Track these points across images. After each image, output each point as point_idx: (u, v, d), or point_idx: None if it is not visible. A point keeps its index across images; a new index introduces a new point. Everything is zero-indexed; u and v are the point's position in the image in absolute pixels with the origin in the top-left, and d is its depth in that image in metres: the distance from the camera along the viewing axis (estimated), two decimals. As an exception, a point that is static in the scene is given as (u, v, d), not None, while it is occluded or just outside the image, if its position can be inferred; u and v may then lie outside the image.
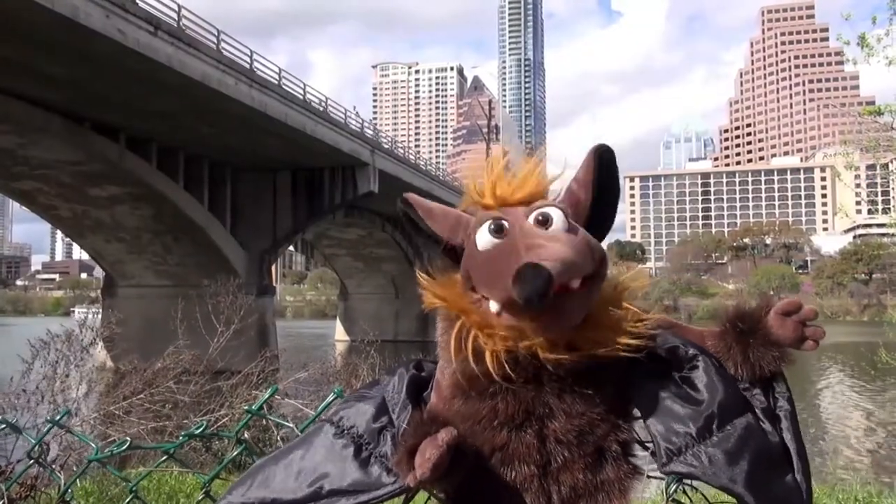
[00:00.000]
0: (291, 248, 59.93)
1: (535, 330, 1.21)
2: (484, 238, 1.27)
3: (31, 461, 2.48)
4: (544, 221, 1.26)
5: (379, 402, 1.43)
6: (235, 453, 1.91)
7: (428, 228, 1.36)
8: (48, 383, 8.09)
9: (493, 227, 1.27)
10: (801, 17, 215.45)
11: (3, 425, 2.51)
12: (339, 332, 64.34)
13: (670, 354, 1.35)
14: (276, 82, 33.76)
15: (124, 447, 1.93)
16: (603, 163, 1.30)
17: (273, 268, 45.42)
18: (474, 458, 1.28)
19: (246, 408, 1.83)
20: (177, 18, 27.48)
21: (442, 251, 1.37)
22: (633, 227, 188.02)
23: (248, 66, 31.59)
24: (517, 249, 1.20)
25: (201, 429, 1.95)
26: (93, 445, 2.02)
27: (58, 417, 2.19)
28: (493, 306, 1.24)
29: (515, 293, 1.13)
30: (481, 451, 1.29)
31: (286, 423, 2.03)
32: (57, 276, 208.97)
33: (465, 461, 1.24)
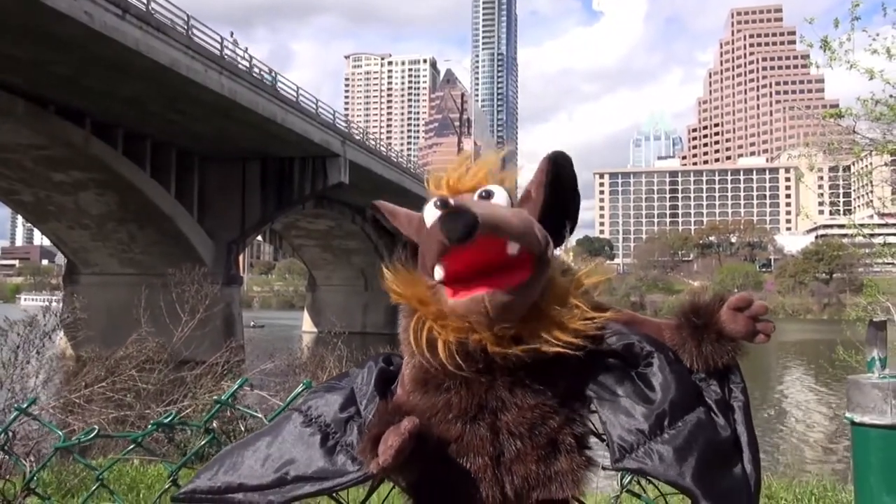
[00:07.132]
0: (259, 237, 59.37)
1: (482, 321, 1.25)
2: (430, 212, 1.33)
3: (-2, 450, 2.43)
4: (487, 196, 1.34)
5: (347, 393, 1.47)
6: (203, 442, 1.91)
7: (393, 228, 1.43)
8: (4, 370, 7.95)
9: (437, 202, 1.33)
10: (769, 20, 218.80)
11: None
12: (307, 324, 64.01)
13: (626, 351, 1.39)
14: (248, 70, 33.37)
15: (91, 436, 1.93)
16: (556, 168, 1.35)
17: (241, 257, 44.94)
18: (434, 448, 1.31)
19: (215, 398, 1.84)
20: (146, 2, 26.98)
21: (407, 253, 1.42)
22: (601, 224, 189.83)
23: (218, 53, 31.15)
24: None
25: (170, 418, 1.95)
26: (59, 434, 2.01)
27: (24, 405, 2.16)
28: (438, 273, 1.27)
29: (442, 235, 1.18)
30: (440, 441, 1.33)
31: (255, 414, 2.03)
32: (17, 263, 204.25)
33: (426, 449, 1.28)
